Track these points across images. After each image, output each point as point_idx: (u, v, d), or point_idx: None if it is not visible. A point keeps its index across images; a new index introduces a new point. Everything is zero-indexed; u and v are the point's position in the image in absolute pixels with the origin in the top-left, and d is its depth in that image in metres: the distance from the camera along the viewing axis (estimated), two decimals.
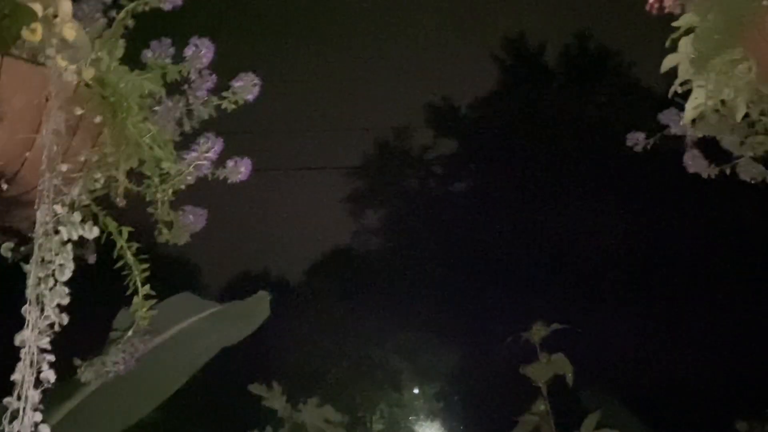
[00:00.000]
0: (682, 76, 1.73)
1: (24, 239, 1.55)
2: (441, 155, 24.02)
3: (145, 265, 1.46)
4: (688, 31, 1.69)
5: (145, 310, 1.47)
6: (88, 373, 1.45)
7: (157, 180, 1.52)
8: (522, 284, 17.47)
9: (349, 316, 24.52)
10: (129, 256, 1.44)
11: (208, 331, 2.28)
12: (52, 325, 1.13)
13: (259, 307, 2.53)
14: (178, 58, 1.56)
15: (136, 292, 1.46)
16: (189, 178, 1.55)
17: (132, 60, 1.52)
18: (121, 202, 1.46)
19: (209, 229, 1.63)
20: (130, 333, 1.48)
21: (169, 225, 1.54)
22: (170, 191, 1.53)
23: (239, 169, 1.60)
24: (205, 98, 1.60)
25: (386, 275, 23.49)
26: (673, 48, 1.75)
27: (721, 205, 12.65)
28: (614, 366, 14.38)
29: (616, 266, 16.36)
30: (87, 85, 1.40)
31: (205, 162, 1.52)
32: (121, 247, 1.44)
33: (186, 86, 1.60)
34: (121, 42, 1.46)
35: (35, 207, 1.41)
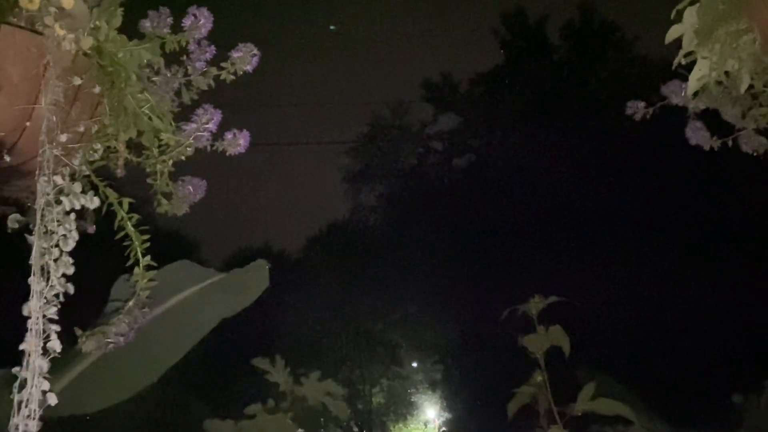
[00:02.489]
0: (686, 47, 1.72)
1: (23, 209, 1.55)
2: (440, 131, 23.98)
3: (146, 236, 1.46)
4: (693, 1, 1.67)
5: (146, 280, 1.47)
6: (89, 344, 1.45)
7: (156, 151, 1.52)
8: (520, 258, 17.51)
9: (348, 292, 24.62)
10: (129, 227, 1.44)
11: (208, 302, 2.28)
12: (57, 295, 1.12)
13: (258, 276, 2.52)
14: (176, 29, 1.55)
15: (137, 263, 1.46)
16: (188, 149, 1.54)
17: (130, 30, 1.50)
18: (121, 172, 1.46)
19: (207, 203, 1.63)
20: (131, 303, 1.49)
21: (168, 196, 1.54)
22: (169, 162, 1.53)
23: (238, 142, 1.59)
24: (204, 69, 1.58)
25: (385, 250, 23.55)
26: (678, 20, 1.74)
27: (723, 178, 12.64)
28: (611, 339, 14.46)
29: (615, 239, 16.38)
30: (85, 54, 1.38)
31: (204, 133, 1.51)
32: (122, 218, 1.43)
33: (184, 57, 1.58)
34: (120, 11, 1.45)
35: (35, 177, 1.40)
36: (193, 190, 1.55)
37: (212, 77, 1.58)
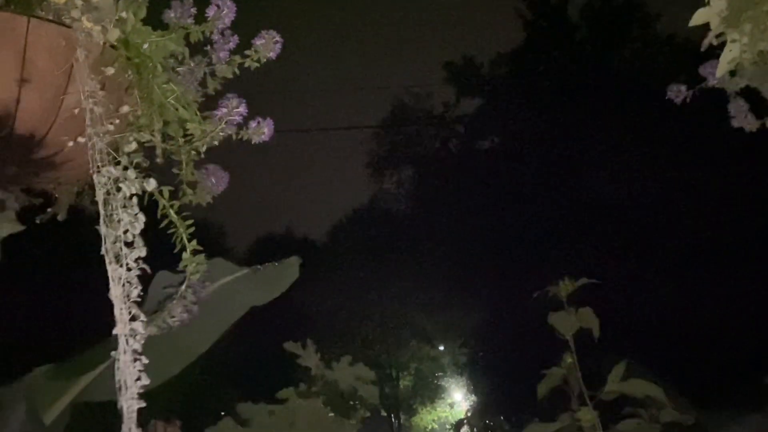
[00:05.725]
0: (715, 28, 1.68)
1: (51, 200, 1.58)
2: (463, 114, 23.85)
3: (190, 221, 1.48)
4: None
5: (195, 264, 1.50)
6: (150, 328, 1.48)
7: (181, 140, 1.53)
8: (546, 241, 17.42)
9: (374, 277, 24.68)
10: (173, 214, 1.46)
11: (238, 292, 2.32)
12: (138, 278, 1.16)
13: (289, 270, 2.55)
14: (200, 19, 1.56)
15: (183, 248, 1.49)
16: (215, 138, 1.56)
17: (154, 21, 1.52)
18: (159, 160, 1.48)
19: (233, 191, 1.64)
20: (183, 288, 1.51)
21: (193, 185, 1.56)
22: (195, 152, 1.54)
23: (262, 130, 1.60)
24: (228, 58, 1.59)
25: (410, 235, 23.54)
26: (704, 3, 1.69)
27: (757, 161, 12.44)
28: (639, 322, 14.36)
29: (641, 222, 16.24)
30: (112, 46, 1.40)
31: (235, 117, 1.52)
32: (164, 206, 1.46)
33: (208, 47, 1.60)
34: (144, 2, 1.46)
35: (64, 169, 1.43)
36: (215, 181, 1.57)
37: (236, 66, 1.59)
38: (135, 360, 1.13)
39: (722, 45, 1.70)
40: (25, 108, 1.35)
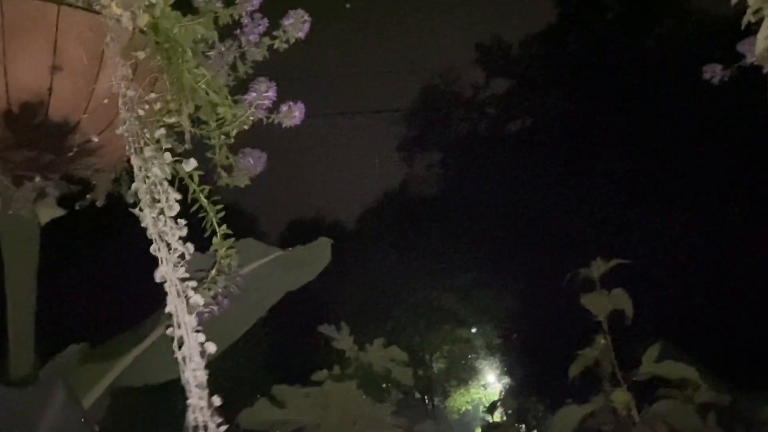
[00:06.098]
0: (754, 4, 1.63)
1: (89, 186, 1.59)
2: (493, 95, 23.66)
3: (219, 206, 1.49)
4: None
5: (225, 249, 1.50)
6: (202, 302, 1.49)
7: (214, 124, 1.54)
8: (578, 222, 17.29)
9: (406, 259, 24.70)
10: (203, 199, 1.47)
11: (272, 276, 2.32)
12: (182, 256, 1.18)
13: (320, 252, 2.56)
14: (228, 2, 1.56)
15: (214, 233, 1.50)
16: (246, 122, 1.56)
17: (183, 5, 1.52)
18: (188, 145, 1.49)
19: (265, 175, 1.64)
20: (213, 272, 1.52)
21: (228, 168, 1.56)
22: (228, 135, 1.55)
23: (293, 114, 1.60)
24: (257, 41, 1.59)
25: (440, 217, 23.49)
26: None
27: None
28: (676, 302, 14.21)
29: (679, 202, 16.01)
30: (142, 32, 1.41)
31: (263, 102, 1.52)
32: (194, 190, 1.46)
33: (238, 30, 1.60)
34: None
35: (99, 155, 1.44)
36: (253, 162, 1.57)
37: (266, 48, 1.59)
38: (193, 332, 1.15)
39: (760, 21, 1.66)
40: (58, 95, 1.36)
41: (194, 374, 1.11)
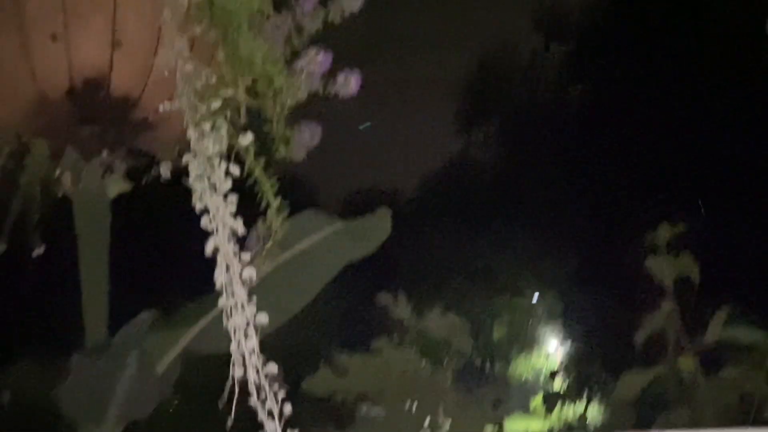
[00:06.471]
0: None
1: (154, 160, 1.63)
2: (552, 62, 23.19)
3: (274, 179, 1.49)
4: None
5: (279, 221, 1.51)
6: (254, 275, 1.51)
7: (270, 96, 1.54)
8: (640, 188, 16.92)
9: (465, 227, 24.57)
10: (258, 172, 1.48)
11: (333, 248, 2.34)
12: (233, 231, 1.21)
13: (381, 224, 2.56)
14: None
15: (268, 205, 1.51)
16: (300, 92, 1.56)
17: None
18: (243, 119, 1.50)
19: (322, 147, 1.65)
20: (269, 244, 1.53)
21: (286, 141, 1.57)
22: (285, 107, 1.55)
23: (349, 83, 1.59)
24: (312, 12, 1.59)
25: (500, 185, 23.26)
26: None
27: None
28: (744, 267, 13.86)
29: (747, 165, 15.52)
30: (198, 5, 1.42)
31: (315, 69, 1.52)
32: (250, 163, 1.47)
33: (293, 1, 1.59)
34: None
35: (161, 129, 1.47)
36: (310, 135, 1.57)
37: (321, 20, 1.58)
38: (244, 305, 1.17)
39: None
40: (119, 71, 1.39)
41: (247, 343, 1.12)
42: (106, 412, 1.67)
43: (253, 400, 1.11)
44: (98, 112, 1.44)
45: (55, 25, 1.35)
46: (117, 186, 1.73)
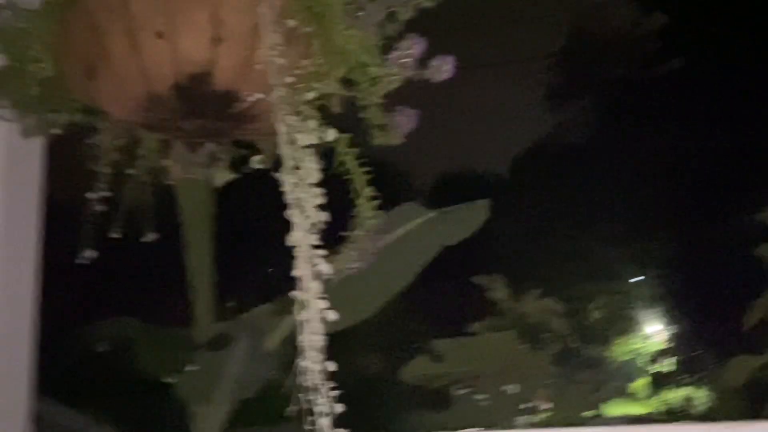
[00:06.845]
0: None
1: (257, 150, 1.68)
2: (647, 34, 22.39)
3: (366, 169, 1.52)
4: None
5: (370, 210, 1.54)
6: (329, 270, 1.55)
7: (366, 85, 1.56)
8: (747, 165, 16.17)
9: (559, 209, 24.08)
10: (350, 162, 1.50)
11: (430, 233, 2.37)
12: (315, 224, 1.23)
13: (478, 211, 2.58)
14: None
15: (360, 196, 1.53)
16: (396, 79, 1.57)
17: None
18: (337, 109, 1.53)
19: (416, 131, 1.66)
20: (356, 233, 1.56)
21: (383, 128, 1.59)
22: (380, 94, 1.57)
23: (443, 68, 1.60)
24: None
25: (595, 164, 22.67)
26: None
27: None
28: None
29: None
30: None
31: (409, 59, 1.53)
32: (341, 155, 1.50)
33: None
34: None
35: (261, 120, 1.51)
36: (406, 120, 1.59)
37: (414, 5, 1.59)
38: (316, 298, 1.19)
39: None
40: (221, 65, 1.45)
41: (311, 338, 1.15)
42: (216, 394, 1.74)
43: (308, 396, 1.14)
44: (203, 106, 1.50)
45: (160, 23, 1.41)
46: (222, 175, 1.80)
